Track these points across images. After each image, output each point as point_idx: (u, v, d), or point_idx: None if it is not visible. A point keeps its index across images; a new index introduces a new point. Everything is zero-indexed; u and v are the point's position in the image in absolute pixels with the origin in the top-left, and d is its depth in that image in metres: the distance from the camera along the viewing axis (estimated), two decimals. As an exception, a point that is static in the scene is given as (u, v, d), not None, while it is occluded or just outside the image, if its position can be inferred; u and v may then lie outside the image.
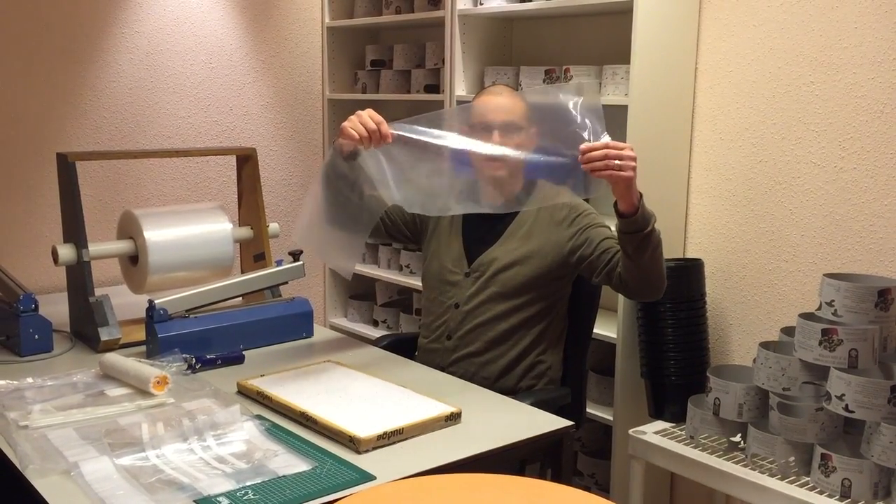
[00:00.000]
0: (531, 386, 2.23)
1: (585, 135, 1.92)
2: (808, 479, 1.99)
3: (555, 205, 2.21)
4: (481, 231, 2.27)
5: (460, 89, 3.04)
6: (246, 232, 2.67)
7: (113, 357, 2.03)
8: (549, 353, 2.27)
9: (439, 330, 2.29)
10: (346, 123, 1.95)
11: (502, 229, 2.25)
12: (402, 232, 2.41)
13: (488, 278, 2.22)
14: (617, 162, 1.87)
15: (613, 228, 2.07)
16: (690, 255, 2.72)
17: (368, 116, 1.95)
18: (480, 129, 2.15)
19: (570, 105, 1.95)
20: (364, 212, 2.10)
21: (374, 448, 1.67)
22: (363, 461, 1.62)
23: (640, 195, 1.97)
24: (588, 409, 2.59)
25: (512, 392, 2.18)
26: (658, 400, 2.48)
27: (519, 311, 2.21)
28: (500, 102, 2.16)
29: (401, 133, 1.98)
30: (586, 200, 2.22)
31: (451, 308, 2.27)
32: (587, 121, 1.93)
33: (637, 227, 1.96)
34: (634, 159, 1.90)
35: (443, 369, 2.23)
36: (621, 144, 1.89)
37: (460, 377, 2.17)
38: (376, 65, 3.54)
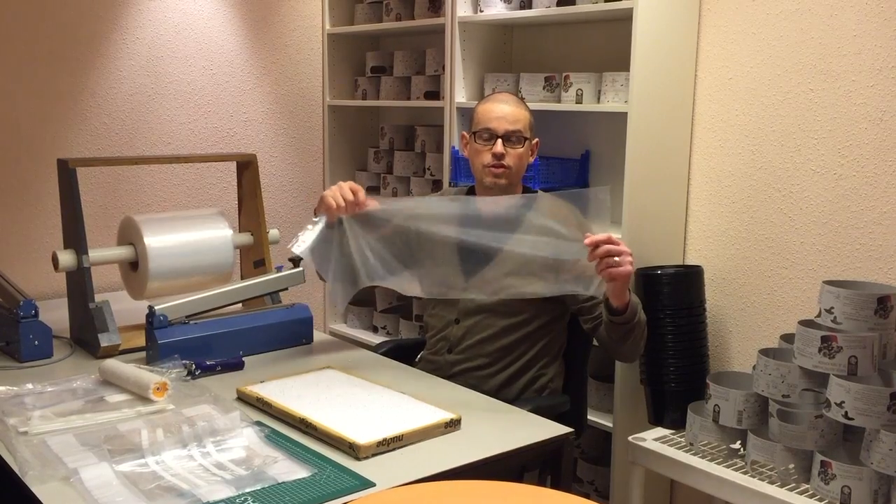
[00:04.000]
0: (530, 398, 2.22)
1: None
2: (807, 486, 1.99)
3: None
4: None
5: (460, 96, 3.04)
6: (246, 238, 2.67)
7: (113, 363, 2.03)
8: (551, 366, 2.27)
9: (440, 344, 2.29)
10: (326, 192, 2.03)
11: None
12: None
13: None
14: (616, 259, 1.84)
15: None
16: (690, 261, 2.72)
17: (348, 187, 2.01)
18: (484, 136, 2.15)
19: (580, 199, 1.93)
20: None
21: (374, 454, 1.67)
22: (363, 468, 1.62)
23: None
24: (588, 416, 2.59)
25: (511, 403, 2.17)
26: (658, 407, 2.48)
27: (520, 328, 2.20)
28: (504, 111, 2.15)
29: (384, 206, 2.04)
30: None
31: (451, 323, 2.26)
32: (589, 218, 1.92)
33: (625, 319, 1.99)
34: (631, 254, 1.88)
35: None
36: (618, 240, 1.87)
37: None
38: (377, 71, 3.55)
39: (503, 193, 2.19)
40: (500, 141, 2.13)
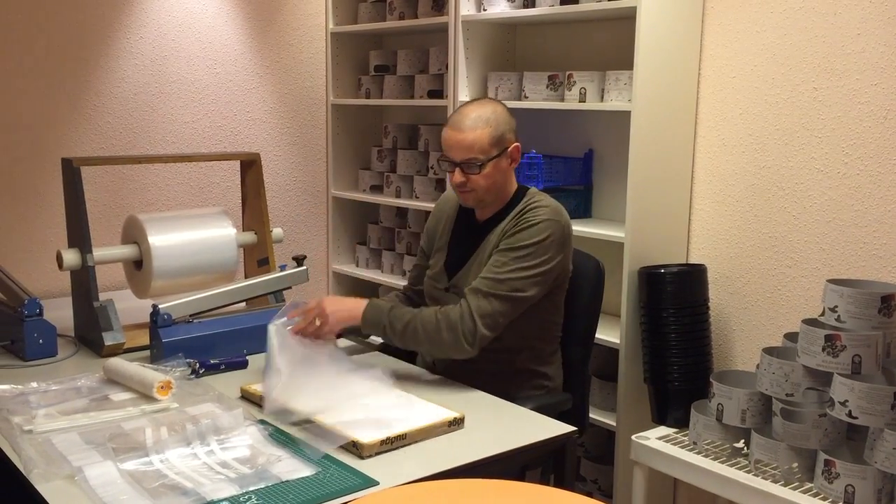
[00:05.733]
0: (530, 396, 2.21)
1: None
2: (811, 485, 1.99)
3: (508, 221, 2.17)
4: (463, 247, 2.25)
5: (464, 95, 3.04)
6: (250, 237, 2.67)
7: (117, 362, 2.04)
8: (548, 366, 2.24)
9: None
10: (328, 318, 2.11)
11: (473, 248, 2.21)
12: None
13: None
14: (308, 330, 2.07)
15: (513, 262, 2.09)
16: (693, 260, 2.72)
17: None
18: (445, 163, 2.17)
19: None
20: None
21: (377, 453, 1.67)
22: (366, 466, 1.62)
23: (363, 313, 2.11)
24: (591, 415, 2.59)
25: (511, 401, 2.16)
26: (661, 405, 2.48)
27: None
28: (457, 139, 2.12)
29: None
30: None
31: None
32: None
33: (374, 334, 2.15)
34: (322, 315, 2.08)
35: None
36: (316, 307, 2.10)
37: None
38: (380, 70, 3.55)
39: (477, 211, 2.23)
40: (457, 170, 2.14)
